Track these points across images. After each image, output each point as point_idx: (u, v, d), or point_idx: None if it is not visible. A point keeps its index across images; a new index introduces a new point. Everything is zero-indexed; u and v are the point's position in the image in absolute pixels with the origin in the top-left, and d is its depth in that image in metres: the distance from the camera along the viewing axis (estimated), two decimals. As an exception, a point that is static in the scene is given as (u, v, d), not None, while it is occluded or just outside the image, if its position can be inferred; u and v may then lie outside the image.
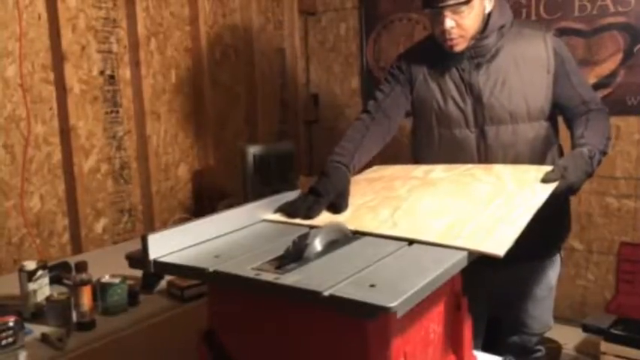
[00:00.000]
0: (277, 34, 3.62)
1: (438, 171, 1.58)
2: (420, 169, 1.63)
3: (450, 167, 1.60)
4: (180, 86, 3.02)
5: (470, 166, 1.60)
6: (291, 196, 1.45)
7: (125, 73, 2.74)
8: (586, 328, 2.74)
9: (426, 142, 1.81)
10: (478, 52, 1.68)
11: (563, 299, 3.19)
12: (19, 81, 2.33)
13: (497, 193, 1.33)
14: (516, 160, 1.66)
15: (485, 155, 1.69)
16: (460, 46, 1.65)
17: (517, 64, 1.67)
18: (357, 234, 1.18)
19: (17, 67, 2.32)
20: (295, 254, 1.08)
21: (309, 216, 1.32)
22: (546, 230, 1.47)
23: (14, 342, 1.59)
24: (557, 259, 1.87)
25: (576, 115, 1.68)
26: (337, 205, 1.37)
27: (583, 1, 2.85)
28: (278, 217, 1.37)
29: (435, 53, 1.74)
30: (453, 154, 1.72)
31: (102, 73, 2.65)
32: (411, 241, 1.11)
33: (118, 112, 2.72)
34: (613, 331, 2.64)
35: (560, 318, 3.16)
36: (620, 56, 2.80)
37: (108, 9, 2.65)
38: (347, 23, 3.65)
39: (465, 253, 1.03)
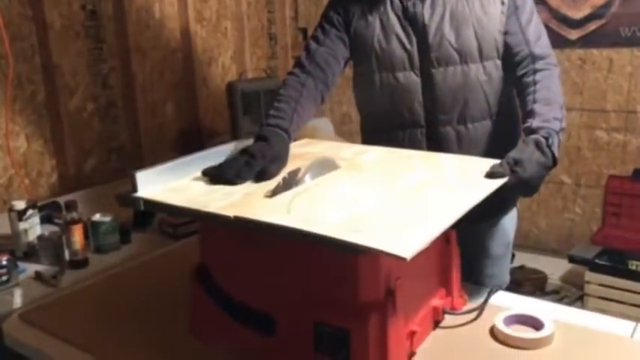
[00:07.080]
0: (264, -34, 3.50)
1: (373, 153, 1.39)
2: (351, 150, 1.43)
3: (388, 151, 1.41)
4: (164, 21, 2.93)
5: (412, 152, 1.40)
6: (220, 152, 1.26)
7: (107, 7, 2.65)
8: (572, 259, 2.81)
9: (366, 90, 1.58)
10: None
11: (550, 232, 3.25)
12: (-4, 17, 2.25)
13: (429, 184, 1.14)
14: (466, 106, 1.50)
15: (432, 102, 1.50)
16: None
17: None
18: (239, 220, 0.96)
19: (-6, 1, 2.24)
20: (286, 190, 1.08)
21: (233, 181, 1.15)
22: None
23: (8, 280, 1.62)
24: (514, 212, 1.70)
25: (519, 63, 1.47)
26: (267, 171, 1.18)
27: None
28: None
29: None
30: (395, 102, 1.52)
31: (83, 8, 2.55)
32: (301, 234, 0.91)
33: (102, 48, 2.65)
34: (597, 261, 2.71)
35: (546, 250, 3.24)
36: (615, -14, 2.74)
37: (86, -61, 2.53)
38: (336, -47, 3.52)
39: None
